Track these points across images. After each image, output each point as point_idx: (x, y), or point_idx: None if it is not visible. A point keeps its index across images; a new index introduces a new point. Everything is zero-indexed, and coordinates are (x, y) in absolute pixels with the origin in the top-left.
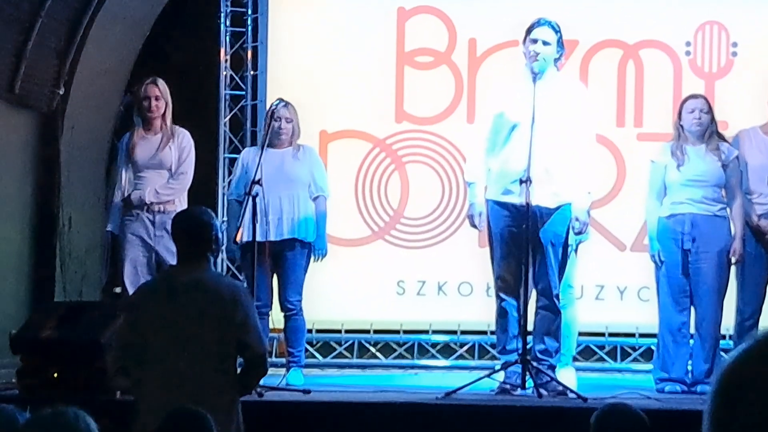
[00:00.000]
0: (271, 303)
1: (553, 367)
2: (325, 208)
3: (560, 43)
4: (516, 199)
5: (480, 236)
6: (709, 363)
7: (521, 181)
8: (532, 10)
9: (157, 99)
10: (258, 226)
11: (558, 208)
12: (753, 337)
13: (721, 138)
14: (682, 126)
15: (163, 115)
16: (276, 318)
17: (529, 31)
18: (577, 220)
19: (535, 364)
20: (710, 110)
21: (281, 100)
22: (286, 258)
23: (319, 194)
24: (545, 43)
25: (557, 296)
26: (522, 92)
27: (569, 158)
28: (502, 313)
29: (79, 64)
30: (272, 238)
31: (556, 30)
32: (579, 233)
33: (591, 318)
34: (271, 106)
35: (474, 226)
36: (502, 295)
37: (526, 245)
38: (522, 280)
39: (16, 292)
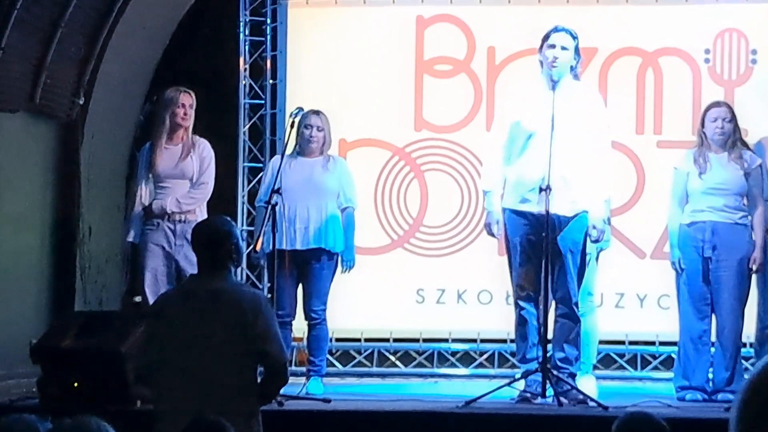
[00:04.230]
0: (295, 312)
1: (573, 376)
2: (353, 220)
3: (577, 50)
4: (533, 207)
5: (499, 244)
6: (729, 371)
7: (540, 189)
8: (551, 18)
9: (190, 107)
10: (279, 234)
11: (575, 216)
12: None
13: (745, 146)
14: (705, 134)
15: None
16: (298, 327)
17: (546, 37)
18: (594, 228)
19: (555, 372)
20: (733, 118)
21: (301, 108)
22: (312, 267)
23: (348, 206)
24: (563, 48)
25: (576, 304)
26: (539, 100)
27: (586, 166)
28: (521, 322)
29: (98, 73)
30: (298, 247)
31: (574, 36)
32: (596, 241)
33: (611, 326)
34: (295, 114)
35: (492, 234)
36: (522, 304)
37: (545, 253)
38: (541, 289)
39: (36, 302)
